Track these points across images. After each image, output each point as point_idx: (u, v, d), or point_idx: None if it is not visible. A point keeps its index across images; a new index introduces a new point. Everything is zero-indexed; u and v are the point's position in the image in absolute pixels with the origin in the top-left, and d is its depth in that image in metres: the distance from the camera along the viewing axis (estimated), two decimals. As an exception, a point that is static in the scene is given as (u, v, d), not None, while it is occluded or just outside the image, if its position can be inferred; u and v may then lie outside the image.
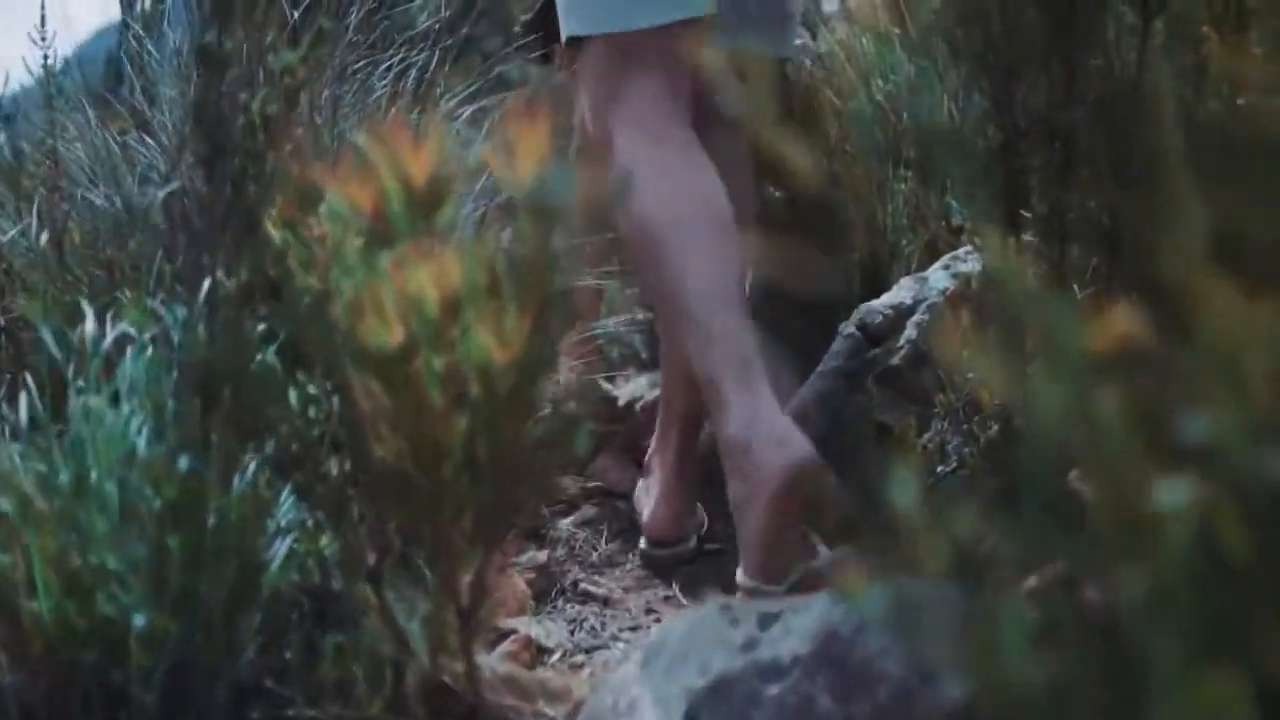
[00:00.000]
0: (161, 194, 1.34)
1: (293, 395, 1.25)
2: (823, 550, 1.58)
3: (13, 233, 1.73)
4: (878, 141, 2.31)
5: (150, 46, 1.99)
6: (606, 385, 2.61)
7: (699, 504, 1.92)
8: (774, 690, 0.99)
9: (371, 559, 1.25)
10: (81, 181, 1.81)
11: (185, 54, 1.93)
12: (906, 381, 1.88)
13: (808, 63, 2.55)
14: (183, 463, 1.14)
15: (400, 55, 2.01)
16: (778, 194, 2.32)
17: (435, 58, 2.15)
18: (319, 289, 1.09)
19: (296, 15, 1.94)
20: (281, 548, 1.29)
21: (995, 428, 1.72)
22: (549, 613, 1.68)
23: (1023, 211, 1.76)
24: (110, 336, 1.27)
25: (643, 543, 1.89)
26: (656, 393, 2.12)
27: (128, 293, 1.44)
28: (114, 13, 2.29)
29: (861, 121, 2.30)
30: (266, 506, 1.28)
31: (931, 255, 2.08)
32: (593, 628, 1.63)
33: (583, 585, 1.76)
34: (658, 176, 1.58)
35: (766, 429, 1.49)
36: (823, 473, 1.50)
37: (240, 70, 1.38)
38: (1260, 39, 1.63)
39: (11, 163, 1.88)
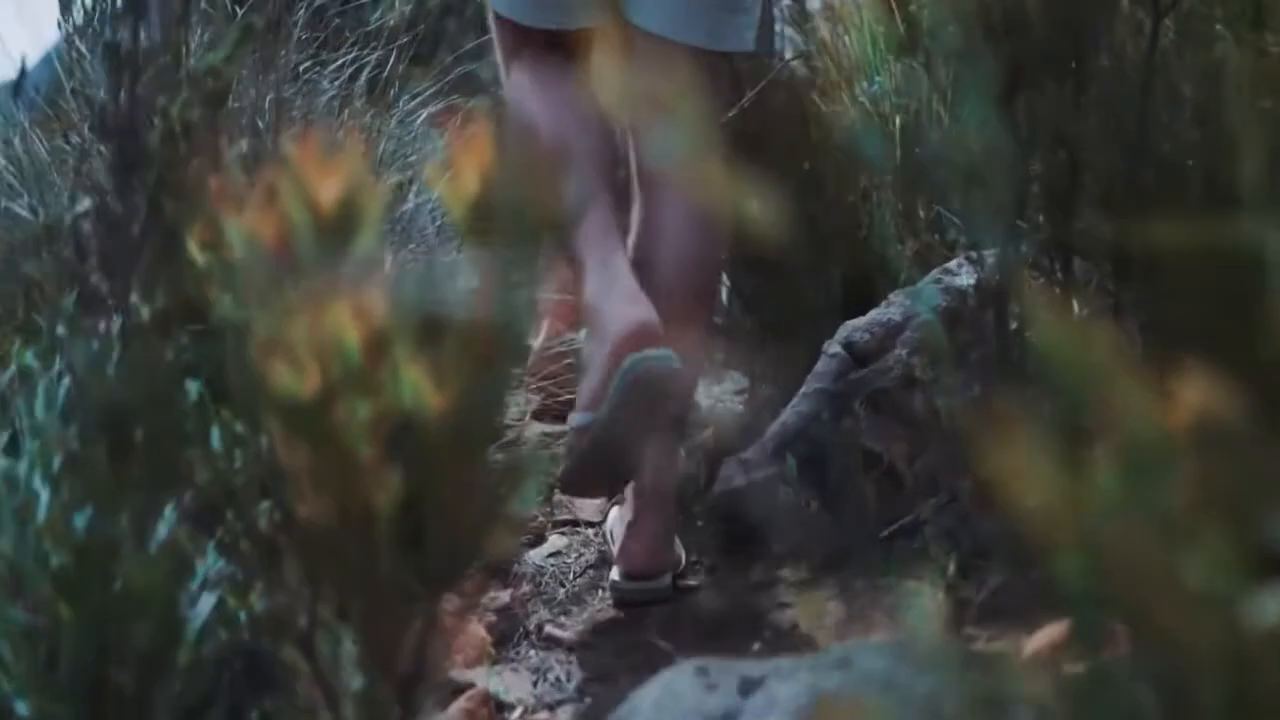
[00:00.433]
0: (69, 214, 1.19)
1: (216, 436, 1.12)
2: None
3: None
4: (864, 146, 2.18)
5: (82, 46, 1.85)
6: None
7: (676, 537, 1.79)
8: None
9: (304, 620, 1.12)
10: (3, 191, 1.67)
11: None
12: (896, 404, 1.75)
13: (790, 62, 2.42)
14: (80, 518, 1.00)
15: (353, 54, 1.88)
16: (754, 204, 2.19)
17: (392, 56, 2.02)
18: (239, 321, 0.96)
19: (240, 10, 1.80)
20: (206, 605, 1.15)
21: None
22: (510, 661, 1.55)
23: (1022, 224, 1.64)
24: (8, 372, 1.13)
25: (615, 577, 1.75)
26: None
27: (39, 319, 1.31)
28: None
29: (849, 125, 2.17)
30: (188, 560, 1.14)
31: (922, 267, 1.96)
32: (558, 679, 1.49)
33: (548, 629, 1.63)
34: (541, 106, 1.78)
35: (618, 293, 1.67)
36: (660, 338, 1.65)
37: (157, 72, 1.24)
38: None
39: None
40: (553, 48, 1.79)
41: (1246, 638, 0.47)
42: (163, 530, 1.12)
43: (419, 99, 2.15)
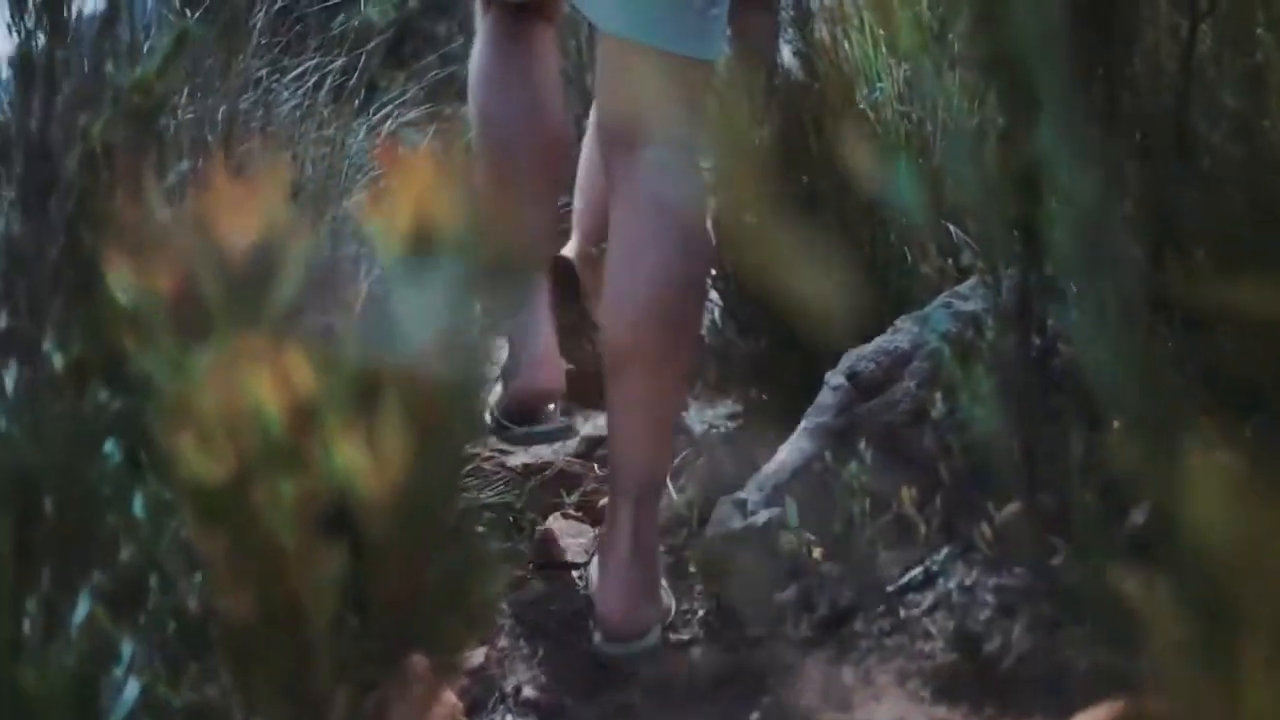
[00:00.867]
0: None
1: (139, 503, 0.98)
2: None
3: None
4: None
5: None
6: (563, 419, 2.35)
7: (663, 585, 1.65)
8: None
9: (239, 715, 0.98)
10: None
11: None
12: (905, 442, 1.61)
13: (791, 67, 2.28)
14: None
15: (316, 60, 1.73)
16: (753, 217, 2.05)
17: (360, 61, 1.87)
18: (151, 382, 0.82)
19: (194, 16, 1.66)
20: (131, 693, 1.01)
21: (1013, 505, 1.45)
22: (484, 730, 1.41)
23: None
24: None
25: (596, 637, 1.61)
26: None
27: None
28: None
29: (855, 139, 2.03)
30: (111, 644, 1.00)
31: (930, 289, 1.82)
32: (535, 752, 1.36)
33: (526, 691, 1.49)
34: (493, 93, 1.80)
35: (530, 351, 1.77)
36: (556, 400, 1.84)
37: (77, 87, 1.10)
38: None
39: None
40: (519, 11, 1.81)
41: None
42: (80, 612, 0.98)
43: (390, 106, 2.01)
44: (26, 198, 1.07)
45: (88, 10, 1.64)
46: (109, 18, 1.17)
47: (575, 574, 1.84)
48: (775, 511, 1.60)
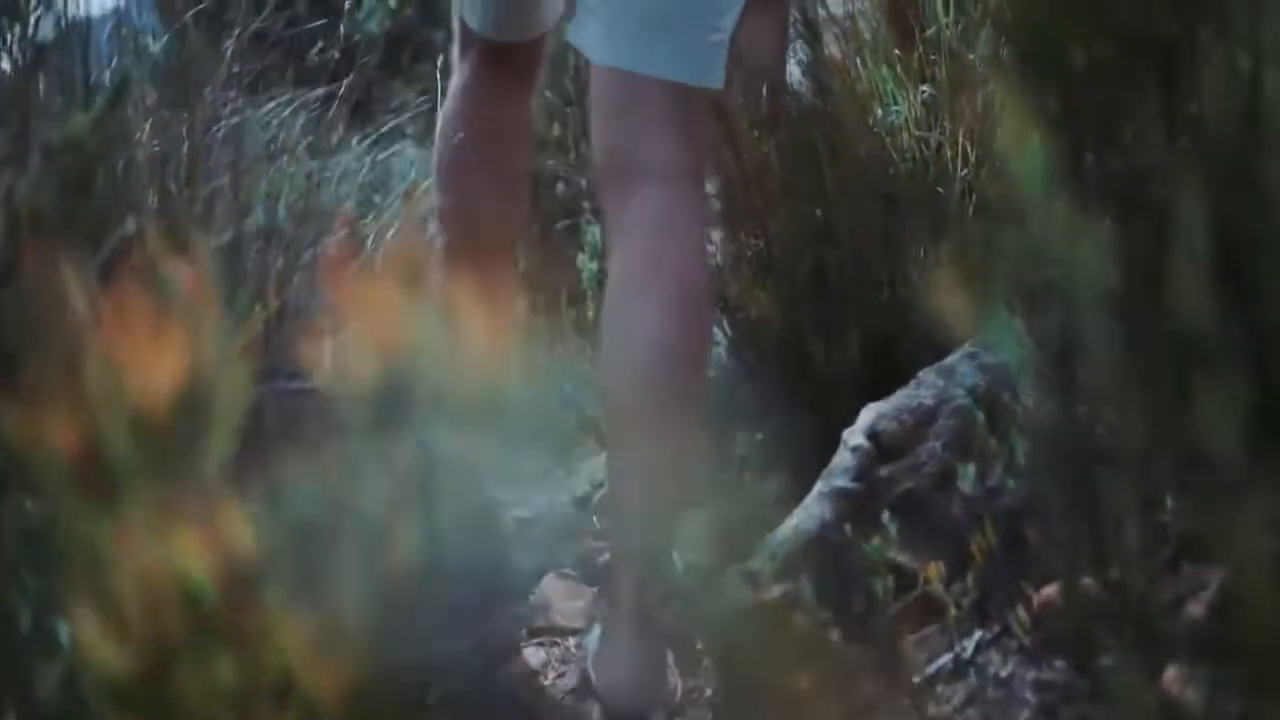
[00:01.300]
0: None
1: (64, 631, 0.85)
2: None
3: None
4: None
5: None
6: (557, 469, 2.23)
7: (669, 662, 1.53)
8: None
9: None
10: None
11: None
12: (930, 510, 1.48)
13: (802, 89, 2.15)
14: None
15: (289, 95, 1.60)
16: (758, 251, 1.92)
17: (340, 91, 1.74)
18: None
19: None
20: None
21: (1054, 587, 1.32)
22: (470, 837, 1.28)
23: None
24: None
25: (596, 714, 1.48)
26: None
27: None
28: None
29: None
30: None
31: (954, 335, 1.68)
32: None
33: (516, 790, 1.36)
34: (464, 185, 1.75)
35: None
36: None
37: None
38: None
39: None
40: (496, 58, 1.76)
41: None
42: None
43: (375, 136, 1.88)
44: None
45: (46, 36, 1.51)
46: (34, 64, 1.03)
47: (573, 642, 1.71)
48: (789, 586, 1.47)
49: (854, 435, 1.55)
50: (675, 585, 1.67)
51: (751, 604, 1.50)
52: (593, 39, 1.56)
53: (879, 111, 2.14)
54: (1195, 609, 1.22)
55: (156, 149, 1.53)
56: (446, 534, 0.62)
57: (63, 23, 1.50)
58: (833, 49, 2.33)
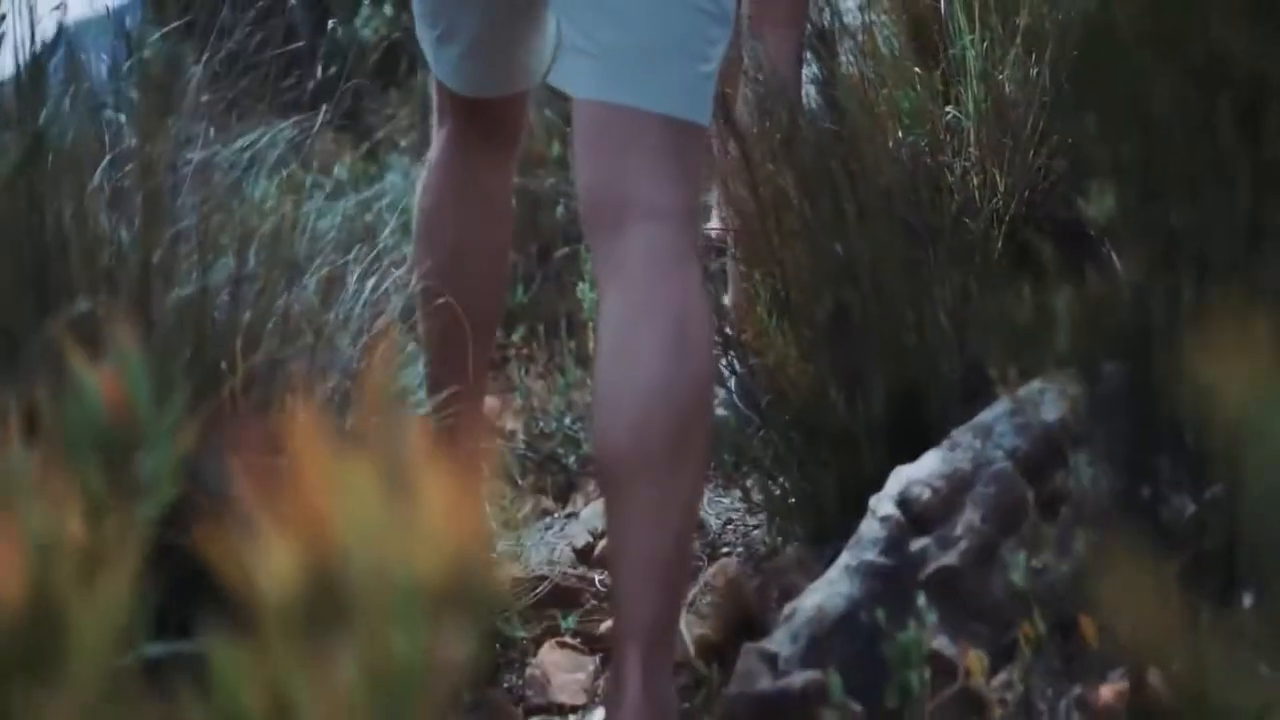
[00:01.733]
0: None
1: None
2: None
3: None
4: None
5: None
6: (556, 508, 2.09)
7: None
8: None
9: None
10: None
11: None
12: (970, 592, 1.34)
13: (819, 110, 2.01)
14: None
15: (262, 128, 1.47)
16: (773, 289, 1.78)
17: (321, 115, 1.60)
18: None
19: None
20: None
21: (1122, 674, 1.18)
22: None
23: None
24: None
25: (601, 811, 1.35)
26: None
27: None
28: None
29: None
30: None
31: (989, 387, 1.54)
32: None
33: None
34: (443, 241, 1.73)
35: None
36: None
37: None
38: None
39: None
40: (475, 117, 1.73)
41: None
42: None
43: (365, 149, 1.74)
44: None
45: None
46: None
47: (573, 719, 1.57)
48: (813, 675, 1.33)
49: (883, 503, 1.41)
50: (684, 663, 1.53)
51: (773, 693, 1.36)
52: (580, 75, 1.47)
53: (899, 133, 2.00)
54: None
55: (114, 186, 1.39)
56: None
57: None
58: (849, 66, 2.19)
